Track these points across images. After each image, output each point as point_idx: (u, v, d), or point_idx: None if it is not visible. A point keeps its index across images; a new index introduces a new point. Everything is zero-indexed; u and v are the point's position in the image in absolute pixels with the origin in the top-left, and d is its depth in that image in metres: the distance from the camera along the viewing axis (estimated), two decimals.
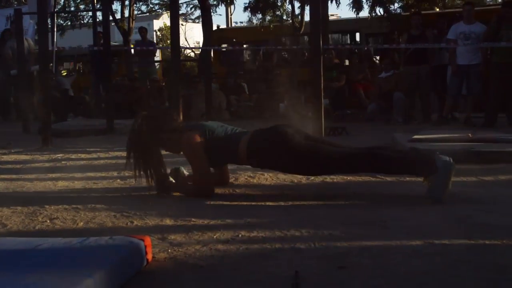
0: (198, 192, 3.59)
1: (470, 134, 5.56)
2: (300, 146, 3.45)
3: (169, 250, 2.46)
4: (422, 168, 3.35)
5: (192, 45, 27.92)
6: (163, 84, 12.19)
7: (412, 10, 12.29)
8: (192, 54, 24.44)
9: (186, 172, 3.91)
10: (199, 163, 3.59)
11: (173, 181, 3.73)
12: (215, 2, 15.60)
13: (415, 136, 5.48)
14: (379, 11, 13.05)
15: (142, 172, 3.58)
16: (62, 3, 20.16)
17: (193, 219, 2.97)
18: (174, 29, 6.62)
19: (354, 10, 13.29)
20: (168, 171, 3.76)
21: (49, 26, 9.64)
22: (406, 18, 11.30)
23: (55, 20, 12.19)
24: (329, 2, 12.58)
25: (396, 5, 14.19)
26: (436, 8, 14.16)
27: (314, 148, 3.48)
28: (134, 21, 20.24)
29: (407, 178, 3.85)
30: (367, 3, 13.27)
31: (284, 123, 3.72)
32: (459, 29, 8.35)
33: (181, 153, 3.72)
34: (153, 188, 3.61)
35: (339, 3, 15.13)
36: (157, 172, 3.61)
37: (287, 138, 3.46)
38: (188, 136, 3.59)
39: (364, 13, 14.02)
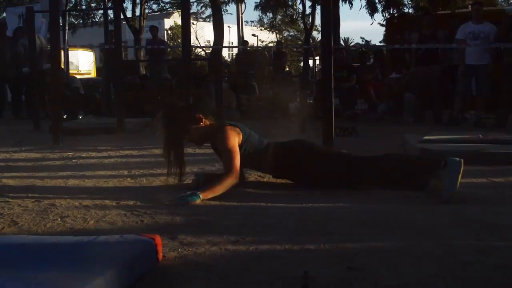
0: (228, 182, 3.56)
1: (481, 135, 5.54)
2: (321, 154, 3.78)
3: (179, 249, 2.47)
4: (431, 166, 3.42)
5: (202, 44, 27.92)
6: (173, 83, 12.20)
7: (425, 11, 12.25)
8: (203, 53, 24.45)
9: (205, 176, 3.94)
10: (235, 156, 3.62)
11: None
12: (226, 1, 15.62)
13: (426, 137, 5.47)
14: (393, 12, 13.03)
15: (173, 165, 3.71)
16: (73, 2, 20.25)
17: (203, 219, 2.97)
18: (185, 28, 6.63)
19: (369, 12, 13.30)
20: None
21: (61, 24, 9.70)
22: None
23: (67, 19, 12.24)
24: (341, 3, 12.53)
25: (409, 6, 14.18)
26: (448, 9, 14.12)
27: (333, 156, 3.81)
28: (145, 20, 20.31)
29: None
30: (380, 5, 13.26)
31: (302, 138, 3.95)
32: (467, 29, 8.31)
33: (205, 144, 3.86)
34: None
35: (352, 5, 15.18)
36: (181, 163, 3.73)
37: (309, 146, 3.77)
38: (230, 129, 3.69)
39: (379, 15, 14.03)
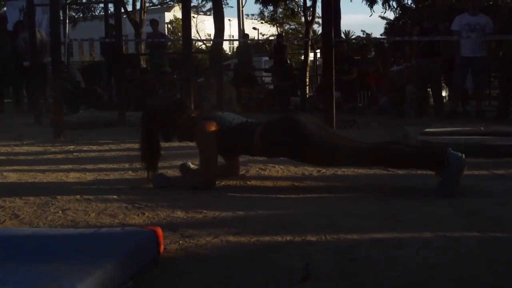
0: (201, 182, 3.59)
1: (482, 128, 5.53)
2: (312, 136, 3.44)
3: (180, 242, 2.47)
4: (434, 162, 3.34)
5: (203, 38, 27.91)
6: (175, 76, 12.20)
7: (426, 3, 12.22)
8: (203, 47, 24.43)
9: (192, 166, 3.94)
10: (208, 154, 3.59)
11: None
12: None
13: (427, 130, 5.46)
14: (393, 4, 13.02)
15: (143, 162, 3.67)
16: None
17: (204, 211, 2.97)
18: (186, 22, 6.62)
19: (368, 4, 13.27)
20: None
21: (61, 18, 9.68)
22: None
23: (67, 12, 12.22)
24: None
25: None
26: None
27: (327, 139, 3.47)
28: (145, 13, 20.28)
29: (419, 172, 3.84)
30: None
31: (297, 113, 3.74)
32: (463, 20, 8.25)
33: (194, 142, 3.72)
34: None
35: None
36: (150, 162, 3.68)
37: (300, 128, 3.46)
38: (202, 124, 3.59)
39: (378, 7, 14.04)
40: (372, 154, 3.44)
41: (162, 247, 2.30)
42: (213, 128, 3.57)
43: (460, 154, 3.28)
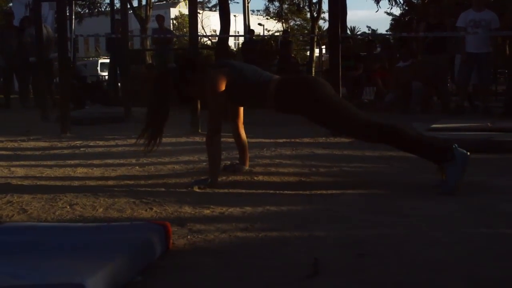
0: (208, 131, 3.58)
1: (489, 123, 5.52)
2: (331, 98, 3.48)
3: (189, 237, 2.48)
4: (439, 153, 3.33)
5: (208, 34, 27.89)
6: None
7: None
8: (209, 43, 24.42)
9: None
10: (216, 104, 3.55)
11: None
12: None
13: (434, 125, 5.45)
14: (399, 0, 12.99)
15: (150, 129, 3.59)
16: None
17: (212, 206, 2.98)
18: (192, 17, 6.61)
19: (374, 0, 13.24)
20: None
21: (67, 13, 9.69)
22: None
23: (73, 8, 12.23)
24: None
25: None
26: None
27: (344, 104, 3.52)
28: (151, 9, 20.30)
29: (427, 166, 3.83)
30: None
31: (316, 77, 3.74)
32: (469, 16, 8.21)
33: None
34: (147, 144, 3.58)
35: None
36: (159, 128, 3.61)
37: (316, 86, 3.51)
38: (213, 74, 3.56)
39: (384, 3, 14.00)
40: (382, 129, 3.43)
41: (170, 241, 2.31)
42: (223, 78, 3.54)
43: (465, 151, 3.27)
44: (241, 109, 3.95)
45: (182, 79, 3.63)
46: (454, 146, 3.30)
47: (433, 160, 3.41)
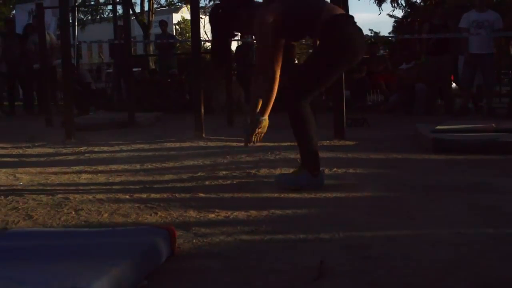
0: (261, 81, 3.53)
1: (494, 124, 5.50)
2: (340, 58, 3.45)
3: (194, 241, 2.47)
4: (313, 164, 3.46)
5: (211, 38, 27.93)
6: (183, 77, 12.20)
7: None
8: None
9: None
10: (263, 46, 3.50)
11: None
12: None
13: (438, 127, 5.44)
14: (401, 3, 12.97)
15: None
16: None
17: (216, 210, 2.98)
18: (194, 22, 6.62)
19: (376, 2, 13.22)
20: None
21: (70, 20, 9.71)
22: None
23: (76, 14, 12.27)
24: None
25: None
26: None
27: (334, 72, 3.55)
28: (153, 15, 20.34)
29: (432, 168, 3.83)
30: None
31: None
32: (471, 17, 8.19)
33: None
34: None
35: None
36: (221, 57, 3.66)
37: (351, 44, 3.43)
38: (260, 15, 3.45)
39: (387, 5, 14.00)
40: (300, 109, 3.43)
41: (175, 246, 2.31)
42: (271, 17, 3.42)
43: (321, 183, 3.48)
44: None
45: (231, 12, 3.54)
46: (322, 169, 3.50)
47: (305, 162, 3.50)
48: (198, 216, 2.90)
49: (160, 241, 2.20)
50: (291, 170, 3.65)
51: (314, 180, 3.45)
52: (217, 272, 2.10)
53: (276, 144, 5.27)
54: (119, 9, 12.33)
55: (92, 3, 21.75)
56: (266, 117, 3.50)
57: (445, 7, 9.78)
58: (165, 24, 12.52)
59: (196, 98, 6.35)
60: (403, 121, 7.58)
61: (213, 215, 2.90)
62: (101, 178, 4.05)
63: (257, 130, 3.51)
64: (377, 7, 13.76)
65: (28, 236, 2.36)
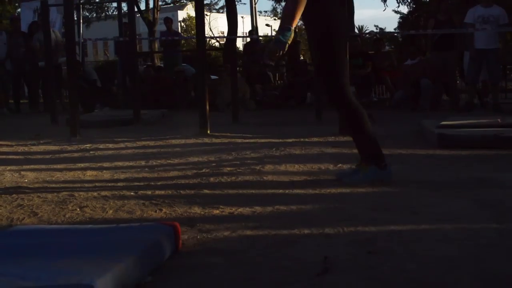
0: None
1: (499, 120, 5.49)
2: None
3: (198, 237, 2.47)
4: (376, 154, 3.45)
5: (216, 35, 27.91)
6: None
7: None
8: (217, 44, 24.44)
9: None
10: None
11: None
12: None
13: (444, 122, 5.42)
14: None
15: None
16: None
17: (221, 206, 2.98)
18: (199, 19, 6.62)
19: None
20: None
21: (75, 18, 9.73)
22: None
23: (81, 12, 12.29)
24: None
25: None
26: None
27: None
28: (158, 12, 20.33)
29: (437, 164, 3.82)
30: None
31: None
32: (477, 12, 8.15)
33: None
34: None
35: None
36: None
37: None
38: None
39: (392, 1, 13.95)
40: (345, 101, 3.54)
41: (180, 242, 2.31)
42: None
43: (390, 174, 3.45)
44: None
45: None
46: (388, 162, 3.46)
47: (366, 156, 3.49)
48: (202, 213, 2.90)
49: (164, 237, 2.20)
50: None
51: (383, 172, 3.42)
52: (221, 268, 2.10)
53: (280, 140, 5.28)
54: (124, 7, 12.30)
55: (97, 0, 21.73)
56: (292, 27, 3.26)
57: (450, 2, 9.74)
58: (170, 21, 12.52)
59: (201, 95, 6.36)
60: (408, 117, 7.56)
61: (217, 211, 2.91)
62: (106, 175, 4.06)
63: (280, 50, 3.26)
64: (382, 3, 13.70)
65: (33, 233, 2.37)
